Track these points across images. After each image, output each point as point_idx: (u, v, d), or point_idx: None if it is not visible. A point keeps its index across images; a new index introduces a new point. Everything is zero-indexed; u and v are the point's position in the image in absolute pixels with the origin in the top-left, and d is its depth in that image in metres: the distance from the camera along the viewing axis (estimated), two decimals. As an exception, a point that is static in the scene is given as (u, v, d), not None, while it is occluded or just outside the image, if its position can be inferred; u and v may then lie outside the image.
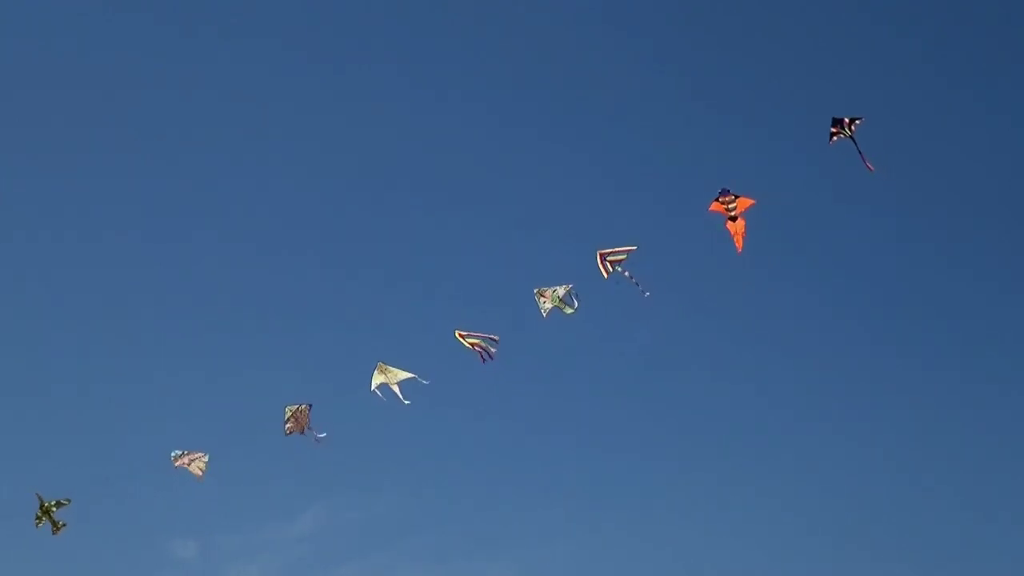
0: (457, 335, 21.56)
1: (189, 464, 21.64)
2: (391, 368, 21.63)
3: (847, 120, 19.78)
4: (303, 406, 21.59)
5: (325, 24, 35.47)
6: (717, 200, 20.65)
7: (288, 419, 21.58)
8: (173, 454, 21.70)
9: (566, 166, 34.99)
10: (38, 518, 21.24)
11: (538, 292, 21.51)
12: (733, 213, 20.61)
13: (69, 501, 21.44)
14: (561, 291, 21.56)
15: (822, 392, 33.35)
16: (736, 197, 20.54)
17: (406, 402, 21.63)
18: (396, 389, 21.54)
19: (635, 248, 21.05)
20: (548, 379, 31.99)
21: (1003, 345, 33.18)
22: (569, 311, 21.51)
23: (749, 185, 20.55)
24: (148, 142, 34.52)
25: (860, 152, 19.84)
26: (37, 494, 21.34)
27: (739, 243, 20.63)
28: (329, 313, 33.61)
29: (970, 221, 34.52)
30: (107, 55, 34.58)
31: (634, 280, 21.05)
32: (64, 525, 21.38)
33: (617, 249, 21.16)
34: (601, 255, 21.11)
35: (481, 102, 35.57)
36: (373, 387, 21.54)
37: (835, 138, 19.86)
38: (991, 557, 29.75)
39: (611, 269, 21.17)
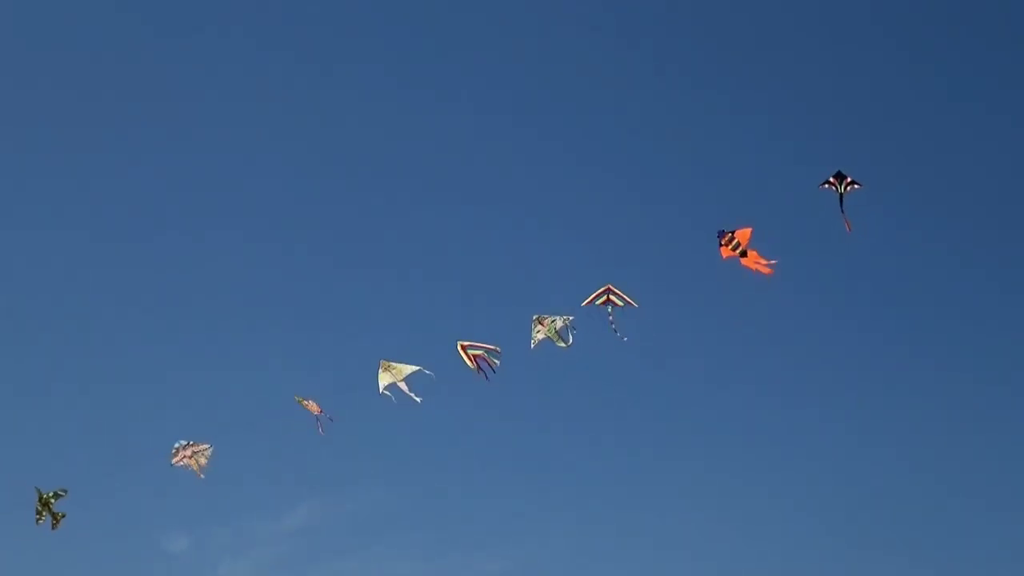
0: (459, 347, 21.16)
1: (191, 457, 20.86)
2: (395, 364, 21.05)
3: (848, 180, 20.45)
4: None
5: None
6: (721, 245, 21.04)
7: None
8: (176, 445, 20.98)
9: (572, 164, 35.44)
10: (39, 513, 20.43)
11: (536, 319, 21.48)
12: (741, 248, 21.06)
13: (66, 491, 20.76)
14: (559, 323, 21.55)
15: (830, 388, 33.38)
16: (732, 234, 20.99)
17: (417, 399, 21.09)
18: (404, 387, 21.01)
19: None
20: (544, 373, 30.79)
21: (1016, 340, 33.19)
22: (562, 345, 21.41)
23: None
24: (151, 139, 34.62)
25: (843, 210, 20.24)
26: (36, 488, 20.61)
27: (765, 270, 20.89)
28: (325, 309, 33.54)
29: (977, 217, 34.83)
30: (99, 53, 34.59)
31: (613, 324, 21.29)
32: (63, 516, 20.73)
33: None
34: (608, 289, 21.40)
35: (476, 97, 36.06)
36: (381, 389, 20.96)
37: (825, 186, 20.45)
38: (1004, 554, 29.82)
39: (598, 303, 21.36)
